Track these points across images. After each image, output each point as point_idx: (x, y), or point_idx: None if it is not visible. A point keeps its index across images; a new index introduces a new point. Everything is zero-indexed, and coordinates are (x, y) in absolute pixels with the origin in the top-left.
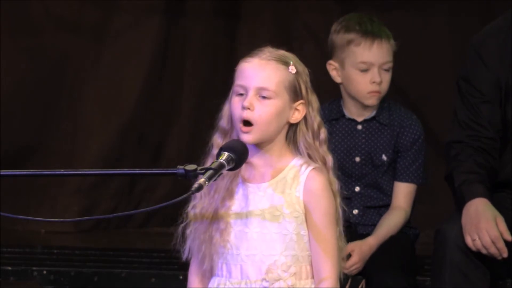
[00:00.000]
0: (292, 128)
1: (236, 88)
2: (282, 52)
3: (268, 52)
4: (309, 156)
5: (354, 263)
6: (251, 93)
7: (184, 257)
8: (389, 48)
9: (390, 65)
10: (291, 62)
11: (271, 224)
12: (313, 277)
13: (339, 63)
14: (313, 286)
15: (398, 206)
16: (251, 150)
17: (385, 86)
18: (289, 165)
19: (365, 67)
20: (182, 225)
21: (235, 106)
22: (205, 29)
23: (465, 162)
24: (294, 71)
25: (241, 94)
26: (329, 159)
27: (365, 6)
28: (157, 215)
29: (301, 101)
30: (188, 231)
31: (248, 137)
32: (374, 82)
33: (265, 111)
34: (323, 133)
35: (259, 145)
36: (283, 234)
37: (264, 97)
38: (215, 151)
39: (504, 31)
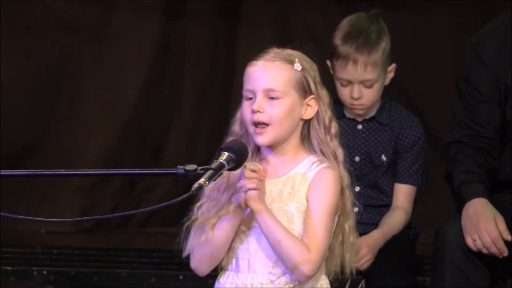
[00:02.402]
0: (306, 125)
1: (244, 93)
2: (287, 51)
3: (273, 53)
4: (322, 152)
5: (364, 255)
6: (259, 96)
7: (184, 254)
8: (371, 66)
9: (371, 82)
10: (296, 60)
11: (279, 219)
12: (324, 273)
13: (332, 70)
14: (323, 282)
15: (399, 207)
16: (265, 149)
17: (366, 101)
18: (302, 163)
19: (345, 83)
20: (187, 223)
21: (246, 111)
22: (205, 29)
23: (464, 162)
24: (299, 68)
25: (250, 98)
26: (340, 153)
27: (365, 6)
28: (157, 215)
29: (311, 96)
30: (192, 228)
31: (262, 139)
32: (352, 97)
33: (275, 111)
34: (333, 127)
35: (274, 145)
36: (291, 229)
37: (272, 98)
38: None
39: (502, 31)
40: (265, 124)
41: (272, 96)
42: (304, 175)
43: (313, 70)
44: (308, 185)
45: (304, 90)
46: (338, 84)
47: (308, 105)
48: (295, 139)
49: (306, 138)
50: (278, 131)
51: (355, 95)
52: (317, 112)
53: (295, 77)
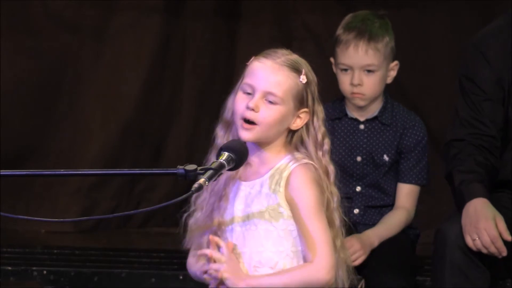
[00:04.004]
0: (291, 133)
1: (244, 85)
2: (295, 58)
3: (283, 55)
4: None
5: (355, 251)
6: (257, 95)
7: (184, 245)
8: (373, 50)
9: (373, 67)
10: (303, 71)
11: (258, 221)
12: None
13: (333, 60)
14: None
15: (401, 207)
16: (249, 149)
17: (368, 88)
18: (280, 162)
19: (345, 67)
20: (186, 213)
21: (239, 103)
22: (205, 29)
23: (465, 161)
24: (304, 81)
25: (248, 93)
26: (332, 170)
27: (365, 6)
28: (157, 215)
29: (305, 109)
30: (190, 220)
31: (247, 135)
32: (352, 84)
33: (269, 114)
34: (326, 144)
35: (257, 143)
36: (269, 231)
37: (270, 102)
38: (218, 141)
39: (505, 31)
40: (254, 124)
41: (270, 100)
42: (281, 173)
43: (314, 84)
44: (284, 185)
45: (301, 102)
46: (339, 73)
47: (299, 116)
48: (280, 143)
49: (290, 145)
50: (265, 133)
51: (355, 81)
52: (308, 125)
53: (297, 88)
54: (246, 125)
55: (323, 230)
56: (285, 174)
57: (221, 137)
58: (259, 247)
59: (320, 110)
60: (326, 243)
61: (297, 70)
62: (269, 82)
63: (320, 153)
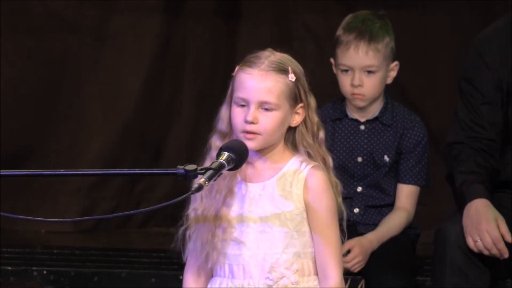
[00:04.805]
0: (291, 129)
1: (236, 99)
2: (279, 58)
3: (266, 59)
4: (309, 155)
5: (355, 256)
6: (253, 107)
7: (185, 258)
8: (373, 51)
9: (374, 68)
10: (290, 69)
11: (273, 223)
12: (316, 273)
13: (334, 61)
14: (316, 282)
15: (401, 207)
16: (252, 152)
17: (368, 89)
18: (288, 163)
19: (345, 68)
20: (183, 227)
21: (237, 117)
22: (205, 29)
23: (466, 162)
24: (293, 79)
25: (243, 105)
26: (329, 159)
27: (365, 6)
28: (157, 215)
29: (300, 105)
30: (189, 233)
31: (252, 144)
32: (352, 85)
33: (268, 122)
34: (322, 133)
35: (261, 149)
36: (284, 232)
37: (266, 109)
38: (213, 153)
39: (505, 32)
40: (256, 133)
41: (266, 107)
42: (294, 176)
43: (303, 77)
44: (302, 187)
45: (295, 100)
46: (339, 73)
47: (297, 112)
48: (280, 142)
49: (290, 142)
50: (268, 139)
51: (356, 82)
52: (305, 118)
53: (289, 88)
54: (249, 135)
55: (337, 236)
56: (300, 177)
57: (217, 148)
58: (274, 248)
59: (312, 100)
60: (338, 252)
61: (284, 71)
62: (260, 91)
63: (317, 144)
